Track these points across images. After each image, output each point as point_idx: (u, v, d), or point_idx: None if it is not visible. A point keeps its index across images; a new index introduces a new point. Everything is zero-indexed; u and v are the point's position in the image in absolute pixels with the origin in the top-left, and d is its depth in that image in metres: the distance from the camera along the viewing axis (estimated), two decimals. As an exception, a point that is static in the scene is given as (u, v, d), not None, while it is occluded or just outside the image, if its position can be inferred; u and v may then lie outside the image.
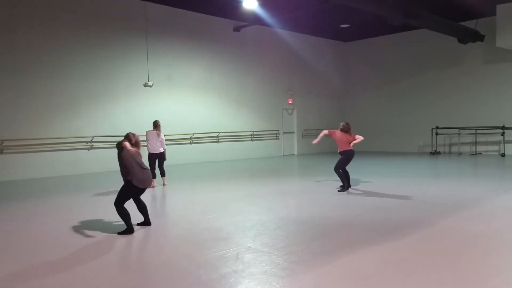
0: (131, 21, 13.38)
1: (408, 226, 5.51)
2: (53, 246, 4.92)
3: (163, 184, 9.46)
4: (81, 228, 5.75)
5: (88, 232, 5.50)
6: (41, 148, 11.59)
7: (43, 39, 11.64)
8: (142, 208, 5.76)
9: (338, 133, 8.52)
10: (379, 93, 19.58)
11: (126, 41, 13.27)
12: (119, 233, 5.37)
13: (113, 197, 8.14)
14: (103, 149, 12.64)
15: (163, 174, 9.53)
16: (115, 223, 5.89)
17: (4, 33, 11.01)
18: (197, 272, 3.95)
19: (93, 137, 12.43)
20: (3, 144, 10.96)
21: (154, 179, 9.24)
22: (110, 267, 4.22)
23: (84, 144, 12.38)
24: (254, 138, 16.85)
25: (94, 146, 12.52)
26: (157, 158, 9.39)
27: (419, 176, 10.76)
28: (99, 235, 5.35)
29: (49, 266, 4.24)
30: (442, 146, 17.58)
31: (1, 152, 10.98)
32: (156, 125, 9.39)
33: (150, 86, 13.71)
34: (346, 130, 8.49)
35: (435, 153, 17.09)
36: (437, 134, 17.16)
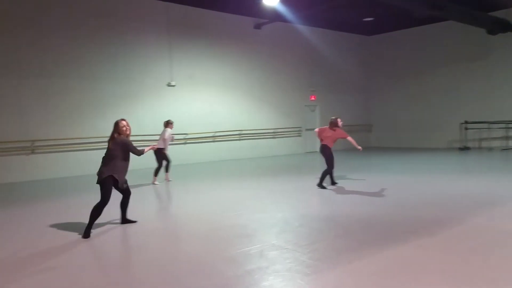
0: (154, 22, 13.55)
1: (436, 223, 5.39)
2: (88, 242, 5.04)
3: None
4: (109, 223, 5.88)
5: (115, 227, 5.62)
6: (71, 147, 11.90)
7: (71, 43, 11.93)
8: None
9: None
10: (405, 87, 19.19)
11: (150, 42, 13.45)
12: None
13: (139, 193, 8.28)
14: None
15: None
16: (142, 219, 5.97)
17: (33, 38, 11.33)
18: (222, 268, 3.98)
19: (118, 136, 12.64)
20: (34, 144, 11.30)
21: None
22: (135, 262, 4.29)
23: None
24: (276, 136, 16.81)
25: (120, 146, 12.74)
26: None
27: (447, 172, 10.50)
28: (123, 231, 5.45)
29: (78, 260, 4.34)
30: (471, 141, 17.08)
31: (33, 152, 11.32)
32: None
33: (173, 86, 13.86)
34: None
35: (464, 148, 16.63)
36: (466, 129, 16.70)
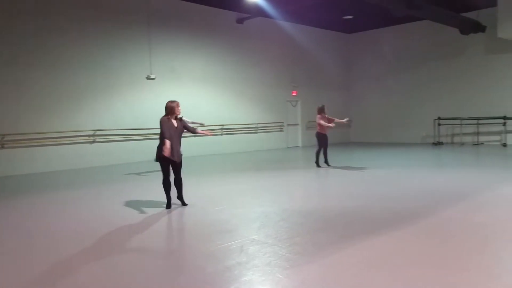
0: (134, 13, 13.34)
1: (411, 216, 5.56)
2: (60, 242, 4.99)
3: None
4: (87, 222, 5.83)
5: (94, 225, 5.58)
6: (43, 142, 11.55)
7: (44, 33, 11.60)
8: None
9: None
10: (382, 84, 19.54)
11: (129, 33, 13.23)
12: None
13: (118, 190, 8.23)
14: (106, 143, 12.70)
15: None
16: (121, 216, 5.95)
17: (4, 27, 10.94)
18: (202, 264, 4.00)
19: (95, 130, 12.47)
20: (5, 139, 10.93)
21: None
22: (116, 259, 4.27)
23: (87, 138, 12.41)
24: (258, 131, 16.87)
25: (96, 140, 12.57)
26: None
27: (421, 166, 10.79)
28: (103, 229, 5.43)
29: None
30: (444, 137, 17.58)
31: (2, 147, 10.95)
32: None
33: (153, 79, 13.71)
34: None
35: (437, 143, 17.10)
36: (439, 124, 17.17)
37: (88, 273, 3.89)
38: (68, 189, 8.62)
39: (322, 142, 10.56)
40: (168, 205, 6.43)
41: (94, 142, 12.52)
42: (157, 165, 11.79)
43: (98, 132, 12.53)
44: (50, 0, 11.68)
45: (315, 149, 10.89)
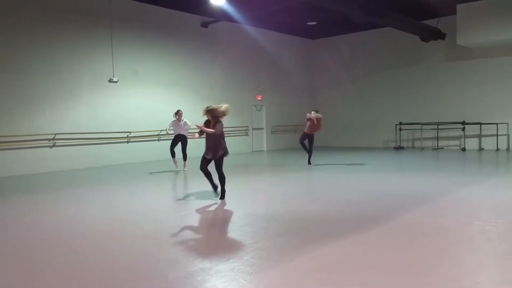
0: (95, 15, 12.99)
1: (373, 220, 5.64)
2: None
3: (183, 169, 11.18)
4: (46, 228, 5.58)
5: (52, 231, 5.34)
6: (1, 146, 11.08)
7: (2, 33, 11.12)
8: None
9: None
10: (345, 89, 19.91)
11: (90, 35, 12.87)
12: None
13: (77, 195, 7.95)
14: (66, 147, 12.27)
15: (184, 158, 11.39)
16: (79, 222, 5.73)
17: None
18: (164, 271, 3.90)
19: (55, 134, 12.03)
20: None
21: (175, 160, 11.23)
22: (74, 267, 4.09)
23: (46, 141, 11.95)
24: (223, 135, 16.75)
25: (56, 144, 12.12)
26: (180, 140, 11.31)
27: (383, 170, 11.03)
28: (63, 236, 5.21)
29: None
30: (405, 141, 18.10)
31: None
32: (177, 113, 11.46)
33: (115, 82, 13.38)
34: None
35: (399, 148, 17.57)
36: (400, 129, 17.65)
37: (45, 279, 3.70)
38: (26, 194, 8.23)
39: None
40: (215, 188, 7.15)
41: (54, 146, 12.07)
42: (121, 170, 11.55)
43: (58, 136, 12.09)
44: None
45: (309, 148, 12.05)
